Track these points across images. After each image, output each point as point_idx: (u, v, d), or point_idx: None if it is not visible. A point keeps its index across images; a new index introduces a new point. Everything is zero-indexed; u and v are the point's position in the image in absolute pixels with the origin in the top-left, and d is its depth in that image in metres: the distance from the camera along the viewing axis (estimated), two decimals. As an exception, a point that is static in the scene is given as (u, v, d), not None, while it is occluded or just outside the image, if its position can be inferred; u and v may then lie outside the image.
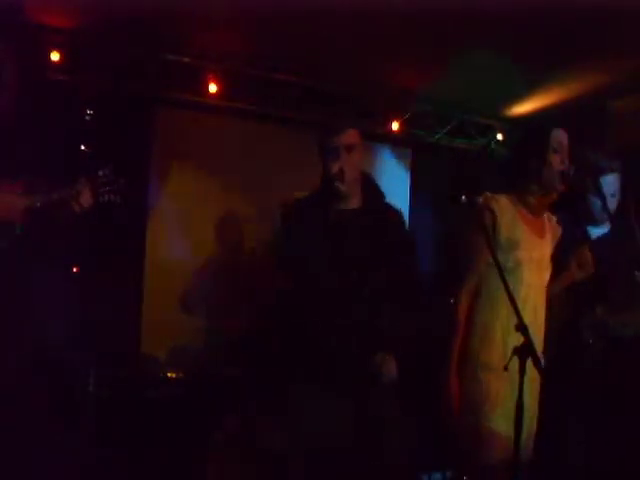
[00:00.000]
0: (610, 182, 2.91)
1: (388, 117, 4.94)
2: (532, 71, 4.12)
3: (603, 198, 2.83)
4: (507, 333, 2.29)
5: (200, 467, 3.39)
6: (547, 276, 2.51)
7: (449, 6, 3.20)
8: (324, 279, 2.39)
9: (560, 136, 2.47)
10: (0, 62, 2.63)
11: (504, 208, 2.43)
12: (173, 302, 4.42)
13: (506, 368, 1.91)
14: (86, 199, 2.65)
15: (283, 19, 3.46)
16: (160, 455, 3.51)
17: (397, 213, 2.59)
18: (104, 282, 3.97)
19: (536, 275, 2.45)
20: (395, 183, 5.13)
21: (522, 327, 1.91)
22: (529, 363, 1.89)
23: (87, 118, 3.76)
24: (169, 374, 4.01)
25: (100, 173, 2.72)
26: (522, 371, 1.89)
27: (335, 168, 2.39)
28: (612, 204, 2.93)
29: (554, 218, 2.60)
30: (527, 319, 1.97)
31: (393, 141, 5.22)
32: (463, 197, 2.26)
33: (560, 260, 2.59)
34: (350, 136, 2.44)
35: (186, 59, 4.21)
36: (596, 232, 2.97)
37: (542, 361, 2.05)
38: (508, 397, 2.19)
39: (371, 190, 2.56)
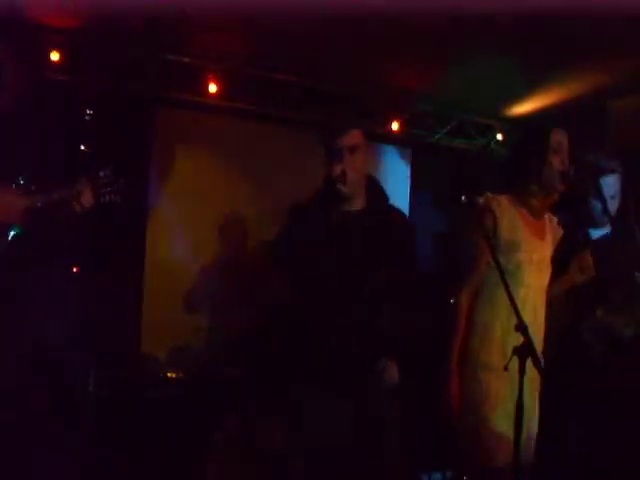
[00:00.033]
0: (610, 183, 2.91)
1: (388, 117, 4.94)
2: (532, 71, 4.12)
3: (603, 199, 2.83)
4: (507, 333, 2.29)
5: (200, 467, 3.40)
6: (547, 278, 2.51)
7: (449, 6, 3.19)
8: (325, 280, 2.39)
9: (560, 136, 2.47)
10: (0, 62, 2.63)
11: (505, 209, 2.43)
12: (173, 302, 4.42)
13: (506, 368, 1.91)
14: (87, 199, 2.65)
15: (283, 19, 3.46)
16: (160, 455, 3.51)
17: (400, 215, 2.59)
18: (104, 282, 3.97)
19: (536, 277, 2.44)
20: (395, 183, 5.13)
21: (522, 327, 1.91)
22: (529, 363, 1.89)
23: (87, 118, 3.76)
24: (169, 374, 4.01)
25: (101, 174, 2.72)
26: (522, 371, 1.89)
27: (337, 170, 2.39)
28: (612, 205, 2.93)
29: (555, 219, 2.60)
30: (527, 320, 1.97)
31: (393, 141, 5.22)
32: (463, 197, 2.26)
33: (560, 262, 2.59)
34: (353, 137, 2.43)
35: (186, 59, 4.21)
36: (597, 233, 2.97)
37: (542, 361, 2.04)
38: (508, 397, 2.19)
39: (375, 192, 2.55)
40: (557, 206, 2.55)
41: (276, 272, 2.61)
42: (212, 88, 4.35)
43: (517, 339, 1.92)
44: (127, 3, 3.30)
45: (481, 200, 2.43)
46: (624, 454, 2.77)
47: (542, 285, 2.48)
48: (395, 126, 4.96)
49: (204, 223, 4.54)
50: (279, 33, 3.72)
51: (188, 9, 3.40)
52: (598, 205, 2.87)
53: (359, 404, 2.36)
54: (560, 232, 2.60)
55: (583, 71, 4.08)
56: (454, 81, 4.41)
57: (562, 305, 2.71)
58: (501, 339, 2.35)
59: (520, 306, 2.04)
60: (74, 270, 3.88)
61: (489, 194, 2.46)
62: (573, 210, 2.91)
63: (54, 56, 3.90)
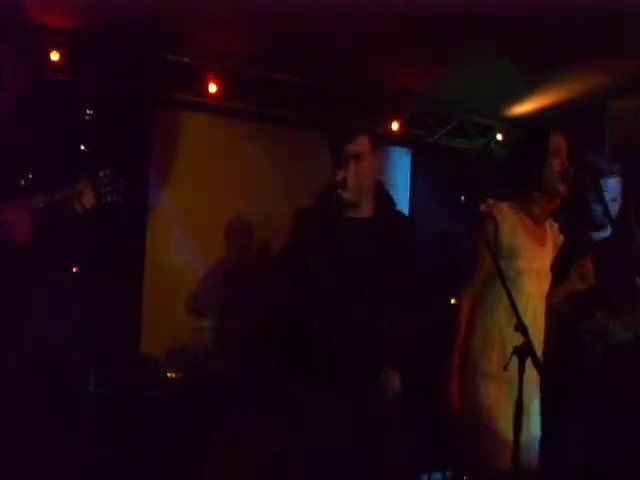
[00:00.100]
0: (611, 185, 2.91)
1: (388, 117, 4.94)
2: (532, 71, 4.12)
3: (604, 201, 2.83)
4: (507, 337, 2.30)
5: (200, 467, 3.40)
6: (547, 285, 2.51)
7: (449, 6, 3.19)
8: (328, 282, 2.39)
9: (559, 140, 2.47)
10: (0, 62, 2.63)
11: (506, 216, 2.43)
12: (173, 302, 4.43)
13: (506, 368, 1.91)
14: (88, 199, 2.65)
15: (283, 19, 3.46)
16: (160, 455, 3.50)
17: (407, 223, 2.58)
18: (104, 282, 3.97)
19: (536, 284, 2.45)
20: (395, 183, 5.13)
21: (521, 327, 1.91)
22: (529, 363, 1.89)
23: (87, 118, 3.76)
24: (169, 374, 4.01)
25: (101, 174, 2.72)
26: (521, 371, 1.89)
27: (339, 176, 2.38)
28: (613, 207, 2.93)
29: (556, 226, 2.60)
30: (526, 325, 1.97)
31: (393, 141, 5.22)
32: (463, 197, 2.27)
33: (561, 268, 2.59)
34: (359, 144, 2.41)
35: (186, 59, 4.21)
36: (597, 235, 2.97)
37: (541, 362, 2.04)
38: (507, 399, 2.20)
39: (383, 199, 2.54)
40: (558, 208, 2.55)
41: (278, 273, 2.61)
42: (212, 88, 4.35)
43: (517, 342, 1.92)
44: (127, 3, 3.30)
45: (482, 207, 2.43)
46: (624, 455, 2.77)
47: (542, 292, 2.49)
48: (395, 126, 4.96)
49: (204, 223, 4.54)
50: (279, 33, 3.72)
51: (188, 9, 3.40)
52: (599, 207, 2.87)
53: (359, 404, 2.36)
54: (561, 239, 2.60)
55: (583, 71, 4.08)
56: (454, 81, 4.41)
57: (562, 309, 2.71)
58: (501, 342, 2.35)
59: (520, 313, 2.04)
60: (74, 270, 3.88)
61: (490, 201, 2.46)
62: (574, 212, 2.91)
63: (54, 56, 3.90)
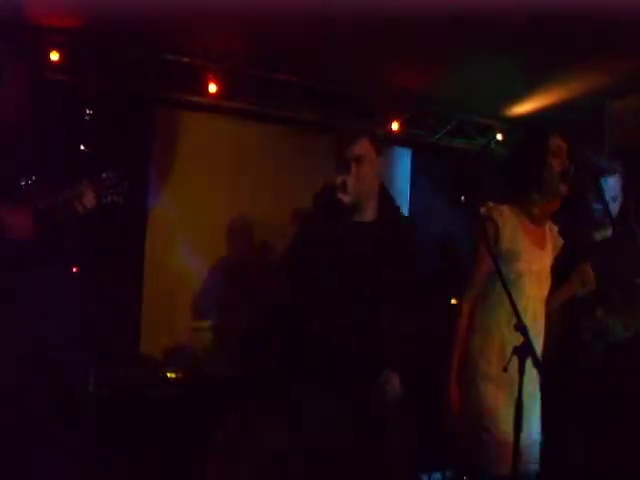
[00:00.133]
0: (611, 184, 2.91)
1: (388, 117, 4.94)
2: (532, 71, 4.12)
3: (604, 200, 2.83)
4: (507, 338, 2.30)
5: (200, 467, 3.40)
6: (547, 288, 2.51)
7: (449, 6, 3.19)
8: (329, 286, 2.38)
9: (559, 141, 2.47)
10: (0, 62, 2.62)
11: (507, 219, 2.43)
12: (173, 302, 4.42)
13: (505, 369, 1.91)
14: (89, 200, 2.65)
15: (283, 19, 3.45)
16: (160, 455, 3.50)
17: (408, 225, 2.57)
18: (104, 282, 3.97)
19: (536, 286, 2.45)
20: (395, 183, 5.13)
21: (521, 327, 1.91)
22: (529, 364, 1.89)
23: (87, 118, 3.76)
24: (169, 374, 4.01)
25: (103, 175, 2.72)
26: (521, 371, 1.89)
27: (339, 180, 2.38)
28: (613, 206, 2.93)
29: (555, 228, 2.60)
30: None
31: (393, 141, 5.22)
32: (462, 197, 2.27)
33: (561, 270, 2.59)
34: (360, 147, 2.42)
35: (186, 59, 4.21)
36: (598, 235, 2.97)
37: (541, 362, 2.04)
38: (507, 400, 2.20)
39: (386, 203, 2.54)
40: (558, 213, 2.55)
41: (279, 273, 2.61)
42: (212, 88, 4.34)
43: (517, 343, 1.92)
44: (127, 3, 3.30)
45: (483, 210, 2.43)
46: (624, 455, 2.77)
47: (542, 295, 2.49)
48: (395, 126, 4.96)
49: (204, 223, 4.54)
50: (279, 33, 3.72)
51: (188, 9, 3.40)
52: (599, 206, 2.87)
53: (359, 404, 2.36)
54: (560, 242, 2.60)
55: (583, 71, 4.08)
56: (454, 81, 4.41)
57: (562, 309, 2.71)
58: (501, 343, 2.35)
59: (520, 314, 2.04)
60: (74, 270, 3.88)
61: (491, 204, 2.46)
62: (574, 212, 2.91)
63: (54, 56, 3.90)
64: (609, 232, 2.94)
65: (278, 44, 3.91)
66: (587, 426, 2.82)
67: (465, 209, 2.32)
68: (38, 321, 2.76)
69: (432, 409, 2.51)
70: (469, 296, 2.46)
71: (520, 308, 2.06)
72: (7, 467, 2.55)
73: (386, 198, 2.55)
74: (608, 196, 2.83)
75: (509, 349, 1.95)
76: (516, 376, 1.89)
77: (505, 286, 2.04)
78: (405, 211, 2.75)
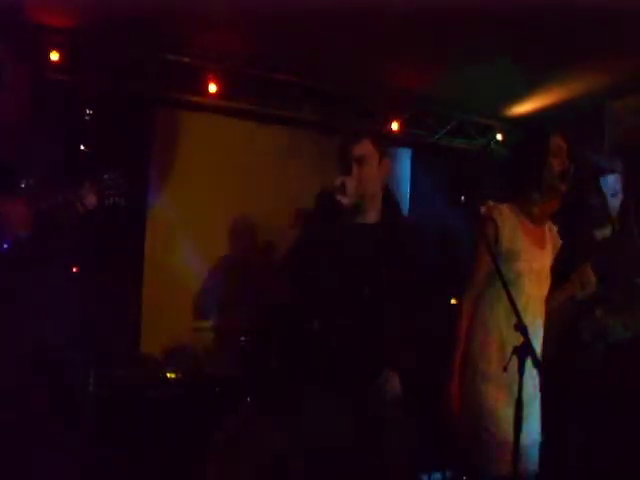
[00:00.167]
0: (611, 183, 2.91)
1: (388, 117, 4.94)
2: (532, 71, 4.12)
3: (604, 199, 2.83)
4: (507, 338, 2.30)
5: (200, 467, 3.40)
6: (547, 287, 2.51)
7: (449, 6, 3.19)
8: (329, 287, 2.38)
9: (559, 141, 2.47)
10: (0, 62, 2.62)
11: (506, 218, 2.43)
12: (173, 302, 4.42)
13: (505, 368, 1.91)
14: (90, 201, 2.65)
15: (283, 19, 3.46)
16: (160, 455, 3.50)
17: (410, 229, 2.56)
18: (104, 282, 3.97)
19: (536, 286, 2.45)
20: (395, 183, 5.13)
21: (521, 327, 1.91)
22: (528, 363, 1.89)
23: (87, 118, 3.76)
24: (169, 374, 4.01)
25: (105, 176, 2.72)
26: (521, 371, 1.89)
27: (338, 181, 2.37)
28: (613, 202, 2.93)
29: (555, 228, 2.61)
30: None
31: (393, 141, 5.22)
32: (462, 197, 2.27)
33: (561, 270, 2.59)
34: (362, 147, 2.40)
35: (186, 59, 4.21)
36: (598, 234, 2.97)
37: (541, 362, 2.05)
38: (507, 399, 2.20)
39: (389, 205, 2.52)
40: (558, 212, 2.55)
41: (281, 274, 2.61)
42: (212, 88, 4.34)
43: (517, 342, 1.92)
44: (127, 3, 3.30)
45: (483, 209, 2.43)
46: (624, 455, 2.77)
47: (542, 294, 2.49)
48: (395, 126, 4.96)
49: (204, 223, 4.54)
50: (279, 33, 3.72)
51: (188, 9, 3.40)
52: (599, 205, 2.87)
53: (359, 404, 2.35)
54: (559, 241, 2.60)
55: (583, 71, 4.08)
56: (454, 81, 4.41)
57: (562, 309, 2.71)
58: (501, 343, 2.35)
59: (520, 313, 2.04)
60: (74, 270, 3.88)
61: (490, 203, 2.46)
62: (574, 211, 2.91)
63: (54, 56, 3.90)
64: (609, 231, 2.95)
65: (278, 44, 3.91)
66: (587, 426, 2.83)
67: (465, 209, 2.31)
68: (38, 321, 2.76)
69: (432, 409, 2.51)
70: (469, 296, 2.46)
71: (520, 307, 2.07)
72: (7, 467, 2.55)
73: (390, 200, 2.53)
74: (607, 194, 2.83)
75: (509, 348, 1.95)
76: (516, 376, 1.89)
77: (505, 285, 2.05)
78: (405, 211, 2.74)
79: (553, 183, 2.43)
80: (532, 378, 2.01)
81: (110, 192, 2.72)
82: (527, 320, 2.27)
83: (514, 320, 1.95)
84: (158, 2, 3.32)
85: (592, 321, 2.86)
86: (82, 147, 3.64)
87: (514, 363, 1.90)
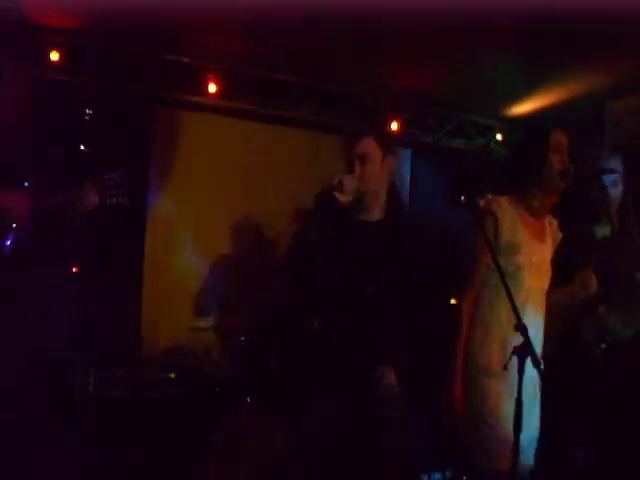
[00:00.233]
0: (611, 182, 2.91)
1: (388, 117, 4.94)
2: (532, 71, 4.12)
3: (604, 196, 2.83)
4: (508, 335, 2.29)
5: (200, 467, 3.39)
6: (547, 280, 2.51)
7: (449, 6, 3.19)
8: (329, 285, 2.38)
9: (560, 136, 2.48)
10: (0, 62, 2.63)
11: (505, 211, 2.43)
12: (173, 302, 4.42)
13: (505, 368, 1.91)
14: (91, 201, 2.65)
15: (283, 19, 3.45)
16: (160, 455, 3.50)
17: (412, 228, 2.55)
18: (104, 282, 3.97)
19: (536, 279, 2.45)
20: (395, 183, 5.12)
21: (521, 327, 1.91)
22: (529, 363, 1.89)
23: (87, 118, 3.76)
24: (169, 374, 4.01)
25: (107, 176, 2.72)
26: (521, 371, 1.89)
27: (337, 179, 2.37)
28: (613, 204, 2.93)
29: (555, 222, 2.61)
30: (527, 322, 1.97)
31: (393, 141, 5.21)
32: (462, 197, 2.26)
33: (562, 265, 2.59)
34: (364, 145, 2.40)
35: (186, 59, 4.21)
36: (597, 230, 2.97)
37: (541, 362, 2.04)
38: (508, 399, 2.20)
39: (393, 202, 2.52)
40: (558, 205, 2.55)
41: (281, 272, 2.61)
42: (212, 88, 4.35)
43: (518, 341, 1.92)
44: (127, 3, 3.30)
45: (482, 202, 2.43)
46: (624, 455, 2.77)
47: (542, 287, 2.49)
48: (395, 126, 4.96)
49: (204, 223, 4.54)
50: (279, 33, 3.72)
51: (188, 9, 3.40)
52: (599, 201, 2.87)
53: (359, 404, 2.35)
54: (559, 235, 2.60)
55: (583, 71, 4.08)
56: (454, 81, 4.41)
57: (562, 309, 2.71)
58: (502, 341, 2.35)
59: (520, 308, 2.05)
60: (74, 270, 3.88)
61: (490, 196, 2.46)
62: (574, 209, 2.91)
63: (54, 56, 3.90)
64: (608, 229, 2.95)
65: (278, 44, 3.91)
66: (587, 426, 2.82)
67: (465, 209, 2.31)
68: (38, 321, 2.76)
69: (432, 409, 2.51)
70: (469, 295, 2.46)
71: (520, 301, 2.07)
72: (7, 467, 2.55)
73: (394, 198, 2.53)
74: (607, 192, 2.83)
75: (510, 344, 1.95)
76: (517, 371, 1.89)
77: (503, 279, 2.04)
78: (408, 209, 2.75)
79: (553, 181, 2.43)
80: (532, 377, 2.01)
81: (112, 192, 2.72)
82: (528, 314, 2.29)
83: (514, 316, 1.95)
84: (158, 2, 3.32)
85: (593, 320, 2.86)
86: (82, 147, 3.64)
87: (515, 362, 1.90)
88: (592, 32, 3.47)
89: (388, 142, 2.52)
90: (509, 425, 1.97)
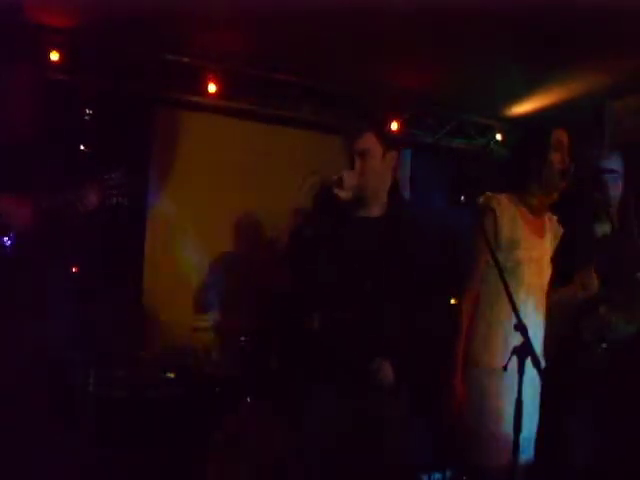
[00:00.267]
0: (611, 181, 2.91)
1: (388, 117, 4.93)
2: (532, 71, 4.12)
3: (604, 197, 2.83)
4: (509, 334, 2.29)
5: (200, 467, 3.39)
6: (547, 276, 2.51)
7: (449, 6, 3.19)
8: (328, 281, 2.38)
9: (560, 135, 2.48)
10: (0, 62, 2.63)
11: (505, 208, 2.44)
12: (173, 302, 4.42)
13: (505, 368, 1.91)
14: (91, 201, 2.65)
15: (283, 19, 3.46)
16: (160, 455, 3.50)
17: (415, 227, 2.52)
18: (104, 282, 3.97)
19: (536, 275, 2.45)
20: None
21: (521, 327, 1.91)
22: (529, 363, 1.89)
23: (87, 118, 3.76)
24: (169, 374, 4.01)
25: (108, 176, 2.72)
26: (521, 371, 1.89)
27: (337, 175, 2.36)
28: (613, 203, 2.93)
29: (555, 218, 2.61)
30: (527, 319, 1.97)
31: (394, 137, 5.21)
32: (462, 197, 2.27)
33: (563, 263, 2.59)
34: (364, 141, 2.39)
35: (186, 59, 4.21)
36: (597, 227, 2.97)
37: (541, 361, 2.04)
38: (508, 399, 2.19)
39: (395, 199, 2.51)
40: (558, 205, 2.55)
41: (281, 267, 2.60)
42: (212, 88, 4.35)
43: (518, 339, 1.92)
44: (127, 3, 3.30)
45: (481, 199, 2.43)
46: (624, 454, 2.76)
47: (542, 283, 2.49)
48: (395, 126, 4.96)
49: (204, 223, 4.54)
50: (279, 33, 3.72)
51: (188, 9, 3.41)
52: (598, 201, 2.87)
53: (359, 404, 2.35)
54: (560, 230, 2.61)
55: (583, 71, 4.08)
56: (454, 81, 4.41)
57: (563, 309, 2.71)
58: (503, 340, 2.35)
59: (521, 305, 2.05)
60: (74, 270, 3.88)
61: (489, 193, 2.46)
62: (574, 209, 2.91)
63: (54, 56, 3.90)
64: (608, 227, 2.95)
65: (278, 44, 3.91)
66: (587, 426, 2.82)
67: (465, 209, 2.31)
68: (38, 321, 2.76)
69: (432, 409, 2.51)
70: (469, 294, 2.46)
71: (520, 298, 2.06)
72: (7, 467, 2.55)
73: (396, 195, 2.51)
74: (607, 192, 2.83)
75: (511, 340, 1.95)
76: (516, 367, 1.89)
77: (502, 276, 2.04)
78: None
79: (553, 180, 2.44)
80: (532, 377, 2.01)
81: (112, 192, 2.72)
82: (528, 311, 2.29)
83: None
84: (158, 2, 3.32)
85: (594, 320, 2.86)
86: (82, 147, 3.64)
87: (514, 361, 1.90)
88: (592, 32, 3.47)
89: (389, 138, 2.51)
90: (509, 425, 1.97)
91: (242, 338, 3.94)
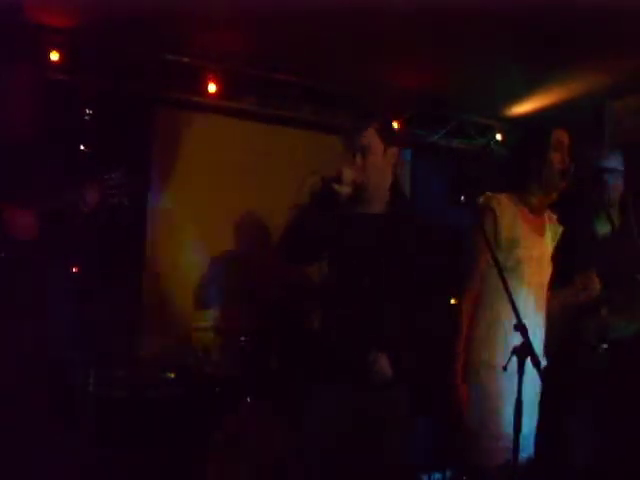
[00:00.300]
0: (611, 181, 2.91)
1: (388, 117, 4.92)
2: (532, 71, 4.12)
3: (604, 197, 2.83)
4: (508, 333, 2.29)
5: (200, 467, 3.39)
6: (547, 275, 2.51)
7: (449, 6, 3.20)
8: (329, 280, 2.37)
9: (560, 135, 2.48)
10: (0, 62, 2.63)
11: (505, 207, 2.44)
12: (173, 302, 4.42)
13: (505, 368, 1.91)
14: (92, 201, 2.65)
15: (283, 19, 3.46)
16: (160, 455, 3.50)
17: (415, 226, 2.49)
18: (104, 282, 3.97)
19: (536, 274, 2.45)
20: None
21: (521, 327, 1.91)
22: (529, 363, 1.89)
23: (87, 118, 3.76)
24: (169, 374, 4.01)
25: (108, 176, 2.71)
26: (521, 371, 1.89)
27: (337, 171, 2.35)
28: (613, 203, 2.93)
29: (554, 217, 2.61)
30: (528, 318, 1.97)
31: (395, 133, 5.20)
32: (462, 197, 2.27)
33: (563, 262, 2.59)
34: (365, 138, 2.38)
35: (186, 59, 4.21)
36: (597, 227, 2.97)
37: (541, 361, 2.04)
38: (508, 399, 2.19)
39: (396, 196, 2.49)
40: (558, 205, 2.55)
41: (283, 267, 2.58)
42: (212, 88, 4.35)
43: (519, 339, 1.92)
44: (127, 3, 3.30)
45: (481, 199, 2.43)
46: (625, 454, 2.77)
47: (543, 281, 2.49)
48: (395, 126, 4.95)
49: (204, 223, 4.54)
50: (279, 33, 3.72)
51: (188, 9, 3.41)
52: (598, 201, 2.87)
53: (359, 404, 2.35)
54: (560, 229, 2.61)
55: (583, 71, 4.08)
56: (454, 81, 4.41)
57: (564, 310, 2.71)
58: (503, 340, 2.35)
59: (521, 305, 2.05)
60: (74, 270, 3.88)
61: (489, 193, 2.46)
62: (574, 209, 2.91)
63: (54, 56, 3.90)
64: (608, 228, 2.95)
65: (278, 44, 3.91)
66: (587, 426, 2.82)
67: (465, 209, 2.31)
68: (38, 321, 2.76)
69: (432, 409, 2.51)
70: (469, 294, 2.46)
71: (521, 297, 2.06)
72: (7, 467, 2.55)
73: (396, 191, 2.51)
74: (607, 192, 2.84)
75: (511, 340, 1.95)
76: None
77: (501, 274, 2.04)
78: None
79: (553, 180, 2.44)
80: (532, 377, 2.01)
81: (113, 192, 2.72)
82: (529, 310, 2.29)
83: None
84: (158, 2, 3.32)
85: (595, 321, 2.86)
86: (82, 147, 3.64)
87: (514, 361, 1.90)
88: (592, 32, 3.48)
89: (390, 134, 2.50)
90: (509, 425, 1.97)
91: (242, 338, 3.94)
